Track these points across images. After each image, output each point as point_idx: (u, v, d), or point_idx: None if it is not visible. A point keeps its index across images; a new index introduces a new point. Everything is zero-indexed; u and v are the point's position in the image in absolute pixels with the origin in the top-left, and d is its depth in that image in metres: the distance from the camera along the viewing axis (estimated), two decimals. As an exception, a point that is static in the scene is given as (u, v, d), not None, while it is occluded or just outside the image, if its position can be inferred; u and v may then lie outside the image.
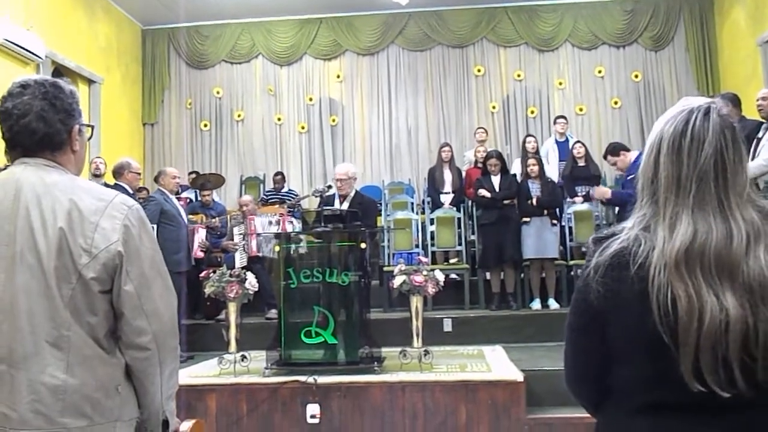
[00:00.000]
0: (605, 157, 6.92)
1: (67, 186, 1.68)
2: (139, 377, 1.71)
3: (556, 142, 9.33)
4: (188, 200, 9.26)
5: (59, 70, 9.07)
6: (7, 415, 1.56)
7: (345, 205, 6.07)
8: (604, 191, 6.74)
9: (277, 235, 5.67)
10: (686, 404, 1.22)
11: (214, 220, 8.24)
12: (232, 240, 7.61)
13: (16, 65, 7.91)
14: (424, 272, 5.32)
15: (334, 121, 11.26)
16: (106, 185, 7.00)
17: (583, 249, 8.02)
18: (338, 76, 11.31)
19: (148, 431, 1.76)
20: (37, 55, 8.08)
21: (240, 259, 7.45)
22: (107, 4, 10.16)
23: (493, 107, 11.00)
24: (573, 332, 1.41)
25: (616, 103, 10.81)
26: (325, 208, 5.46)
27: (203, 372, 5.47)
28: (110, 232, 1.64)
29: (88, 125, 1.87)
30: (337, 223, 5.30)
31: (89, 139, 1.89)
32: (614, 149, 6.68)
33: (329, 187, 6.25)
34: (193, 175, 10.19)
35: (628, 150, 6.65)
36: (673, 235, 1.22)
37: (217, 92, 11.43)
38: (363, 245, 5.18)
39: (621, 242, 1.29)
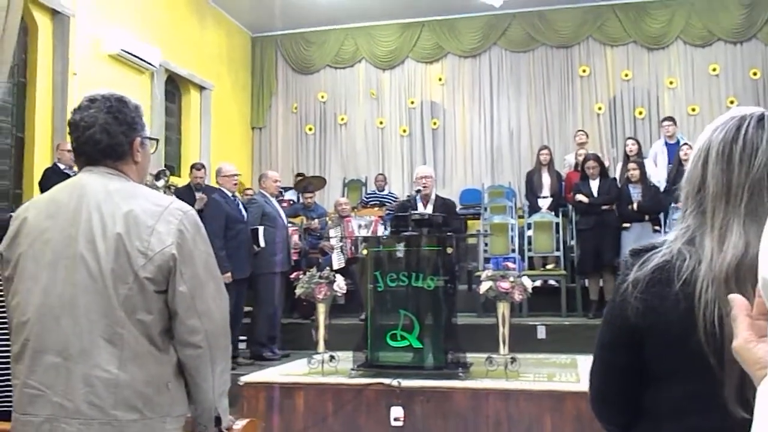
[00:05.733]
0: None
1: (128, 193, 1.80)
2: (192, 374, 1.80)
3: (666, 144, 8.92)
4: (291, 202, 9.56)
5: (172, 78, 9.59)
6: (63, 406, 1.67)
7: (429, 208, 6.09)
8: None
9: (366, 239, 5.76)
10: (725, 431, 1.12)
11: (313, 221, 8.48)
12: (329, 241, 7.79)
13: (133, 74, 8.42)
14: (511, 278, 5.24)
15: (435, 124, 11.28)
16: (209, 188, 7.35)
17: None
18: (440, 79, 11.32)
19: (201, 426, 1.85)
20: (152, 65, 8.57)
21: (338, 261, 7.61)
22: (218, 14, 10.64)
23: (599, 109, 10.69)
24: (604, 349, 1.32)
25: (732, 102, 10.20)
26: (412, 212, 5.48)
27: (294, 370, 5.62)
28: (165, 236, 1.74)
29: (153, 138, 1.99)
30: (425, 227, 5.32)
31: (153, 152, 2.00)
32: None
33: (417, 191, 6.28)
34: (299, 177, 10.53)
35: None
36: (723, 247, 1.13)
37: (322, 96, 11.72)
38: (449, 250, 5.17)
39: (663, 256, 1.21)
